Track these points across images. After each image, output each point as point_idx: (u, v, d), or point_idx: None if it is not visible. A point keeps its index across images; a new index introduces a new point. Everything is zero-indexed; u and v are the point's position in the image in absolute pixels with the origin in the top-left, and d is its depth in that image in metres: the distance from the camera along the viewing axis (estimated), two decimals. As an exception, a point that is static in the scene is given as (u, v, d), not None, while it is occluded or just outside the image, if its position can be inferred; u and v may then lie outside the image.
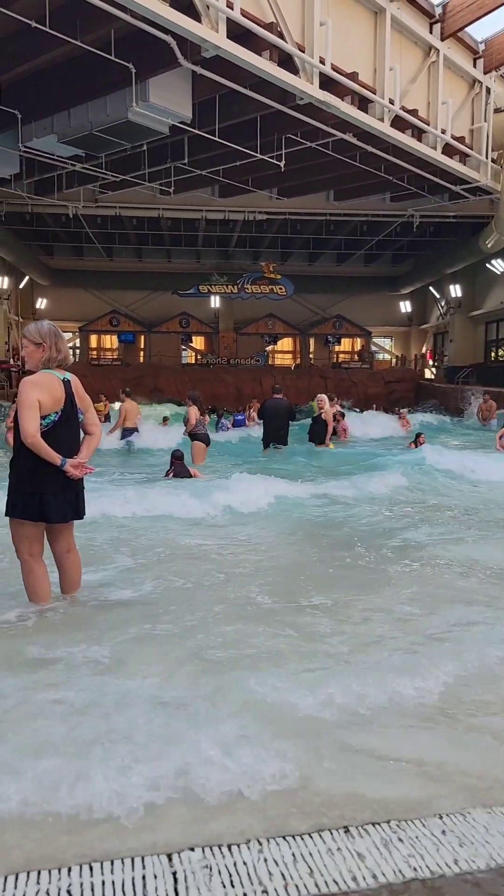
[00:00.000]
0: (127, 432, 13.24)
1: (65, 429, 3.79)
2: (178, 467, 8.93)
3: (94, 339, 32.33)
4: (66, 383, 3.82)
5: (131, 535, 5.81)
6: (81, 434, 3.97)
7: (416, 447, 12.63)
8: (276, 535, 5.94)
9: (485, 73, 17.23)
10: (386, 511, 7.02)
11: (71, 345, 31.30)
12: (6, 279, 25.54)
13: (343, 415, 16.00)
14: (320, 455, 11.91)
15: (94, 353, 32.10)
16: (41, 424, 3.68)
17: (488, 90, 17.27)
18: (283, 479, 7.99)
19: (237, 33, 10.38)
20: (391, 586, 4.40)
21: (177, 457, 9.06)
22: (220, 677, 2.88)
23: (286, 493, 7.45)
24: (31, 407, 3.62)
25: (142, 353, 31.90)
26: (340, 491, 7.75)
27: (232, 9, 10.02)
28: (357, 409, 22.43)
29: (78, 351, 31.31)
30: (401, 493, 7.93)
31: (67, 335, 30.92)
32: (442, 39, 15.33)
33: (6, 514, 3.84)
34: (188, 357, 32.64)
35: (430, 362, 30.85)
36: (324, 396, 13.51)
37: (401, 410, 18.98)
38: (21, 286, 28.24)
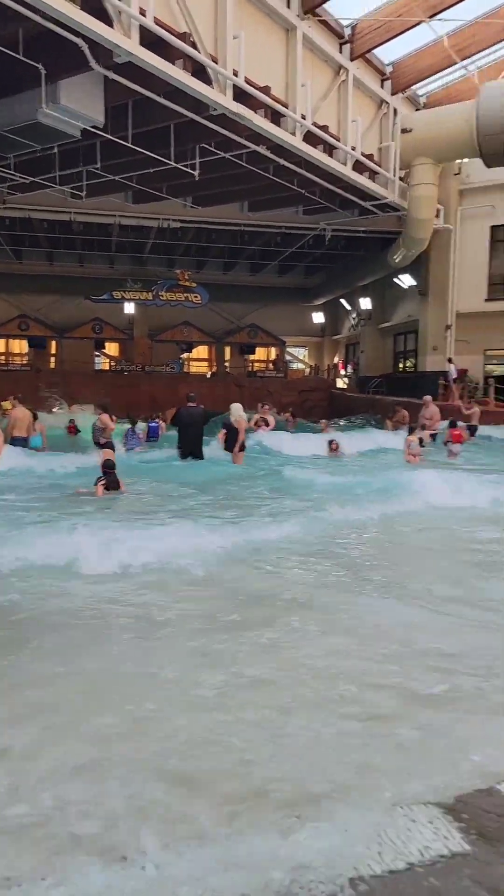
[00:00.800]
0: (18, 441, 12.77)
1: None
2: (110, 477, 8.82)
3: (1, 343, 31.28)
4: None
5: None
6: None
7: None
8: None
9: (392, 94, 17.92)
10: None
11: (-23, 350, 30.19)
12: None
13: (266, 422, 16.25)
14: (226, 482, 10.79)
15: (3, 358, 31.04)
16: None
17: (395, 111, 17.95)
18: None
19: (151, 41, 10.35)
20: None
21: (108, 466, 8.93)
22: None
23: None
24: None
25: (53, 359, 31.11)
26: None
27: (145, 16, 9.99)
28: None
29: (-16, 356, 30.20)
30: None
31: (-26, 340, 29.91)
32: (351, 59, 15.82)
33: None
34: (102, 364, 32.09)
35: (343, 372, 31.63)
36: (237, 405, 13.57)
37: (322, 421, 19.27)
38: None
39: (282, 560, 5.41)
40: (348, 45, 15.85)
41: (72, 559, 4.97)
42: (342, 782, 2.29)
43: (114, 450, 11.26)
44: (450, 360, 21.34)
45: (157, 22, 10.31)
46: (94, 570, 4.85)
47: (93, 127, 12.11)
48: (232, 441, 12.98)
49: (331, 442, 14.28)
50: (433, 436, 15.70)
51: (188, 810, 2.15)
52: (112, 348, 32.35)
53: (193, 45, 11.09)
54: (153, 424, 16.48)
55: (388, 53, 17.60)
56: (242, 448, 13.14)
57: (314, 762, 2.45)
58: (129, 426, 15.04)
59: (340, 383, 30.99)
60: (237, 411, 13.21)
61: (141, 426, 15.27)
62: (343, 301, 30.16)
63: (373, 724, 2.72)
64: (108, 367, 31.78)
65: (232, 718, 2.77)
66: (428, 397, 17.16)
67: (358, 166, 16.61)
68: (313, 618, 4.01)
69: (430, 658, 3.38)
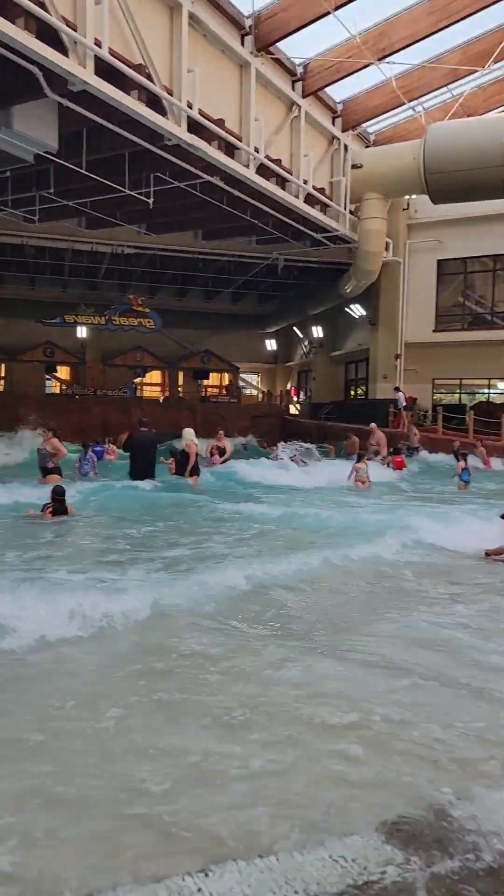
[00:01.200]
0: None
1: None
2: (59, 504, 8.76)
3: None
4: None
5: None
6: None
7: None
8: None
9: (343, 130, 18.47)
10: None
11: None
12: None
13: (220, 451, 16.33)
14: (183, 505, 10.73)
15: (-51, 380, 30.41)
16: None
17: (346, 147, 18.49)
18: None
19: (105, 70, 10.46)
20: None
21: (58, 493, 8.85)
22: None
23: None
24: None
25: (2, 382, 30.59)
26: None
27: (100, 47, 10.11)
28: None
29: None
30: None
31: None
32: (304, 96, 16.28)
33: None
34: (53, 387, 31.69)
35: (295, 398, 31.96)
36: (189, 430, 13.62)
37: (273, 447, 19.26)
38: None
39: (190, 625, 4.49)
40: (301, 83, 16.32)
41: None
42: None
43: (61, 475, 11.17)
44: (397, 389, 21.79)
45: (113, 53, 10.44)
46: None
47: (46, 152, 12.12)
48: (183, 466, 13.00)
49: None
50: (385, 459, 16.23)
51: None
52: (63, 372, 32.01)
53: (149, 77, 11.26)
54: (98, 448, 16.38)
55: (339, 92, 18.21)
56: (196, 472, 13.16)
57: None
58: (81, 451, 14.95)
59: (293, 409, 31.30)
60: (189, 436, 13.25)
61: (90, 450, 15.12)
62: (296, 329, 30.60)
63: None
64: (59, 391, 31.41)
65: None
66: (373, 425, 17.60)
67: (310, 199, 17.00)
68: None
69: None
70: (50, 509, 8.73)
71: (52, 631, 4.09)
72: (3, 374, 30.70)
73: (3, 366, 30.57)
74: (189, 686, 3.47)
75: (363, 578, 6.11)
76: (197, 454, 13.33)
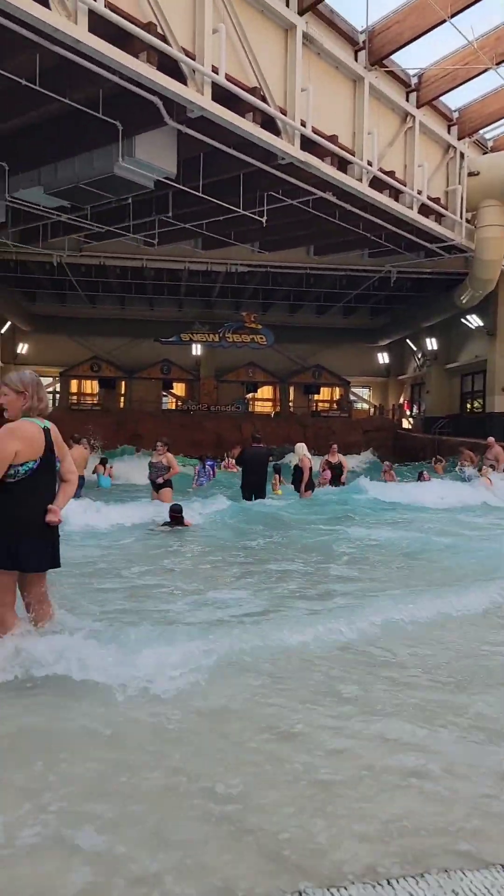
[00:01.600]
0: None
1: (42, 477, 3.79)
2: (175, 522, 9.23)
3: (74, 384, 32.41)
4: (46, 431, 3.84)
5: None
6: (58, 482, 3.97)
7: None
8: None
9: (459, 139, 18.03)
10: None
11: (50, 390, 31.37)
12: (-12, 324, 25.70)
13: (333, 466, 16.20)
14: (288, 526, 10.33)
15: (75, 398, 32.14)
16: (19, 472, 3.68)
17: (462, 155, 18.03)
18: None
19: (222, 95, 10.80)
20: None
21: (176, 511, 9.20)
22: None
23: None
24: (6, 459, 3.64)
25: (122, 399, 31.99)
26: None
27: (217, 73, 10.44)
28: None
29: (57, 396, 31.34)
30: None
31: (47, 380, 31.12)
32: (418, 107, 16.05)
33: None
34: (169, 403, 32.80)
35: (408, 412, 31.30)
36: (301, 445, 13.66)
37: (385, 463, 18.98)
38: (2, 331, 28.36)
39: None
40: (415, 94, 16.11)
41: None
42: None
43: (172, 488, 11.30)
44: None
45: (229, 78, 10.76)
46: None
47: (166, 178, 12.64)
48: (298, 481, 13.04)
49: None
50: None
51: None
52: (179, 388, 33.06)
53: (263, 99, 11.50)
54: (210, 462, 16.79)
55: (455, 99, 17.81)
56: (310, 487, 13.18)
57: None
58: (198, 464, 15.43)
59: (406, 423, 30.65)
60: (301, 451, 13.28)
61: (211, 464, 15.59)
62: (408, 341, 30.01)
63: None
64: (174, 407, 32.46)
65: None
66: (491, 438, 16.95)
67: (424, 209, 16.69)
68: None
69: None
70: (167, 525, 9.09)
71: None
72: (123, 392, 32.11)
73: (123, 383, 31.99)
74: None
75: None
76: (311, 469, 13.32)
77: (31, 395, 3.82)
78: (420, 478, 16.29)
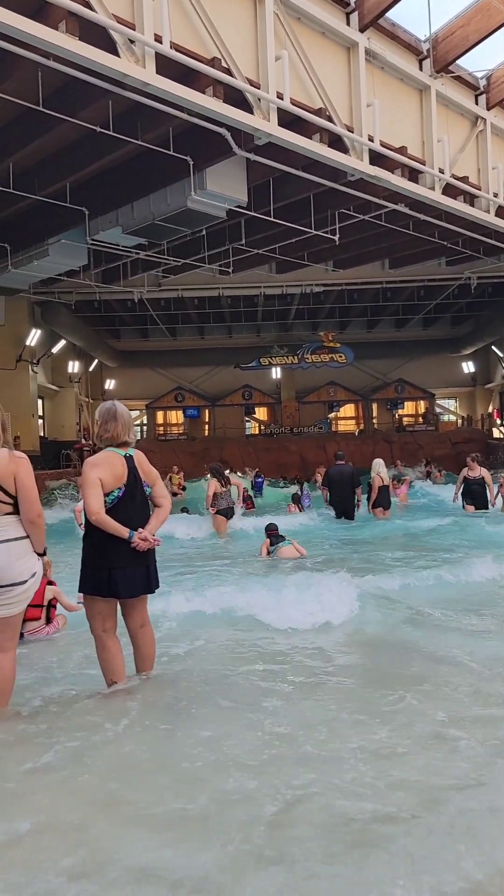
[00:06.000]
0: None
1: (130, 503, 3.84)
2: (275, 538, 9.09)
3: (160, 415, 33.22)
4: (129, 459, 3.90)
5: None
6: (151, 507, 4.02)
7: None
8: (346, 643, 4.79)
9: (534, 136, 17.45)
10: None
11: (138, 422, 32.26)
12: (77, 363, 26.79)
13: (400, 480, 15.63)
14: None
15: (161, 428, 32.92)
16: (105, 501, 3.75)
17: (538, 152, 17.44)
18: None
19: (288, 120, 10.90)
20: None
21: (271, 529, 9.17)
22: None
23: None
24: (92, 485, 3.71)
25: (206, 427, 32.51)
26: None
27: (282, 99, 10.56)
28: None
29: (145, 428, 32.18)
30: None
31: (135, 413, 32.04)
32: (488, 109, 15.67)
33: (79, 591, 3.88)
34: (252, 428, 33.04)
35: (498, 421, 30.22)
36: (378, 461, 13.30)
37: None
38: (91, 369, 29.50)
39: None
40: (484, 96, 15.75)
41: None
42: None
43: (227, 517, 11.20)
44: None
45: (294, 102, 10.85)
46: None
47: (237, 206, 12.85)
48: (367, 499, 12.82)
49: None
50: None
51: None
52: (261, 412, 33.29)
53: (329, 119, 11.53)
54: (259, 480, 16.75)
55: (526, 97, 17.27)
56: (383, 505, 12.89)
57: None
58: (297, 488, 15.45)
59: (497, 433, 29.59)
60: (377, 467, 13.01)
61: (306, 486, 15.51)
62: (494, 348, 29.09)
63: None
64: (257, 431, 32.67)
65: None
66: None
67: (501, 211, 16.21)
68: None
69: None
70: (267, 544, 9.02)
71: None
72: (207, 420, 32.63)
73: (207, 411, 32.52)
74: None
75: None
76: (382, 487, 12.88)
77: (100, 424, 3.95)
78: None
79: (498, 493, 12.93)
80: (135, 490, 3.87)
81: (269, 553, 8.82)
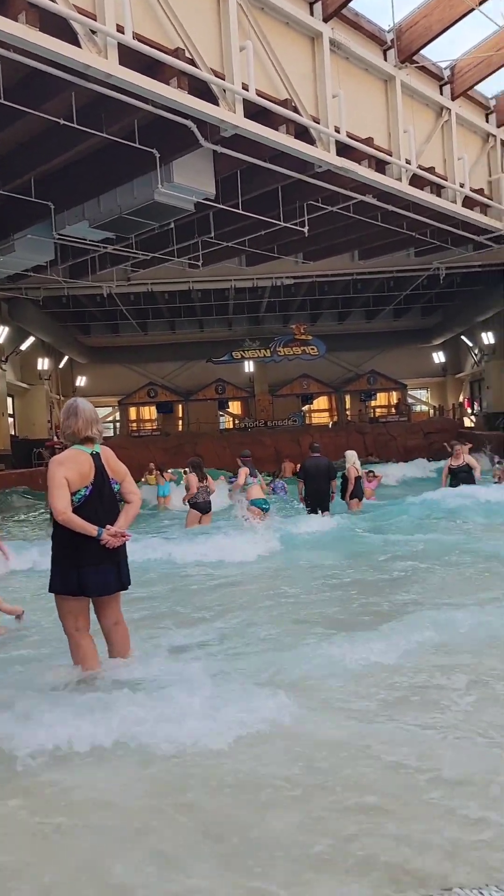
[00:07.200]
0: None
1: (98, 501, 3.79)
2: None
3: (132, 411, 32.98)
4: (95, 457, 3.85)
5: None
6: (121, 503, 3.98)
7: None
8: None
9: (498, 126, 17.60)
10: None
11: (110, 419, 32.00)
12: (47, 360, 26.45)
13: (372, 474, 15.53)
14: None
15: (134, 425, 32.70)
16: (73, 500, 3.70)
17: (503, 142, 17.61)
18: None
19: (254, 111, 10.85)
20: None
21: (245, 456, 9.78)
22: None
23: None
24: (58, 485, 3.67)
25: (180, 422, 32.37)
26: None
27: (247, 90, 10.49)
28: None
29: (118, 424, 31.93)
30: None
31: (107, 409, 31.78)
32: (453, 99, 15.76)
33: (49, 590, 3.83)
34: (226, 422, 32.98)
35: (469, 410, 30.55)
36: (351, 453, 13.41)
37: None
38: (61, 366, 29.15)
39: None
40: (448, 86, 15.83)
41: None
42: None
43: (203, 511, 11.16)
44: None
45: (259, 93, 10.80)
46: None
47: (205, 199, 12.76)
48: (345, 491, 12.88)
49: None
50: None
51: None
52: (235, 406, 33.24)
53: (295, 110, 11.49)
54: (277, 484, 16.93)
55: (490, 87, 17.41)
56: (357, 496, 12.99)
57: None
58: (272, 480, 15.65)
59: (468, 422, 29.91)
60: (351, 458, 13.13)
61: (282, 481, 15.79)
62: (464, 338, 29.37)
63: None
64: (231, 426, 32.62)
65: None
66: None
67: (468, 202, 16.33)
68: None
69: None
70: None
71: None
72: (180, 415, 32.49)
73: (180, 406, 32.38)
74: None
75: None
76: (358, 478, 13.05)
77: (62, 420, 3.93)
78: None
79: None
80: (102, 487, 3.82)
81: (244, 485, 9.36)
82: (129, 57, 8.98)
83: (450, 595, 5.67)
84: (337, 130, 12.26)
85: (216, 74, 10.19)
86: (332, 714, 3.25)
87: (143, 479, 18.63)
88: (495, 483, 14.19)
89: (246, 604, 5.88)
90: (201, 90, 10.05)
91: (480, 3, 13.26)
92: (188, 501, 11.22)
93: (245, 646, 4.49)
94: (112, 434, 31.33)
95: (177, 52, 9.54)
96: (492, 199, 17.27)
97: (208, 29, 10.22)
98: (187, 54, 9.70)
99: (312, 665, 3.85)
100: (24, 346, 24.61)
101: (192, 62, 9.75)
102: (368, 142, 13.15)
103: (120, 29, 8.69)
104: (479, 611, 4.82)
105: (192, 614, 5.54)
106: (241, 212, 13.80)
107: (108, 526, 3.74)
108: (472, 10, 13.19)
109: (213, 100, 10.16)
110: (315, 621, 5.12)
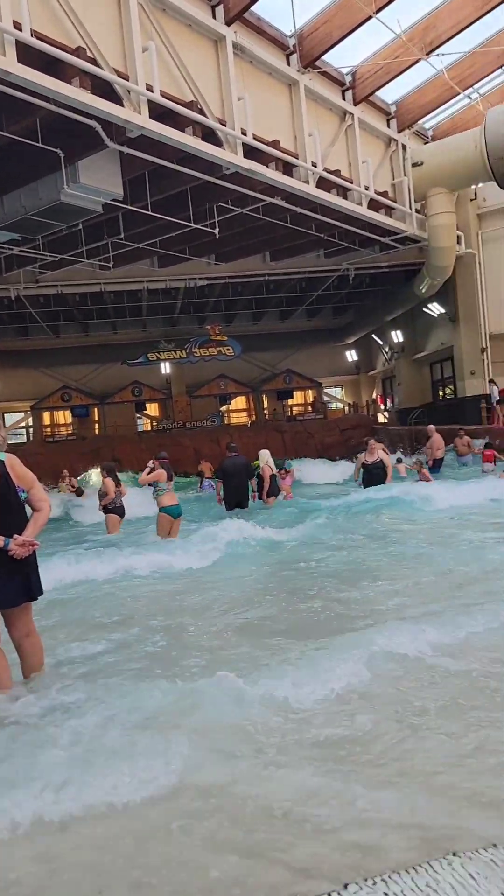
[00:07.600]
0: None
1: (3, 510, 3.70)
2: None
3: (46, 416, 32.11)
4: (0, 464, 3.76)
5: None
6: (29, 512, 3.90)
7: None
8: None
9: (399, 131, 18.25)
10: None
11: (23, 424, 31.07)
12: (-47, 365, 25.42)
13: (286, 470, 15.67)
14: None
15: (49, 429, 31.85)
16: None
17: (404, 147, 18.24)
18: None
19: (159, 112, 10.81)
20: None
21: (163, 458, 9.52)
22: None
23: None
24: None
25: (96, 426, 31.79)
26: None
27: (152, 91, 10.45)
28: None
29: (31, 430, 31.04)
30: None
31: (19, 415, 30.85)
32: (355, 104, 16.22)
33: (-44, 604, 3.72)
34: (144, 425, 32.64)
35: (382, 406, 31.47)
36: (265, 452, 13.60)
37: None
38: (-32, 371, 28.08)
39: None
40: (350, 91, 16.28)
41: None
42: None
43: (121, 515, 11.06)
44: (492, 382, 21.05)
45: (164, 95, 10.78)
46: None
47: (113, 200, 12.62)
48: (261, 489, 13.11)
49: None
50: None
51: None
52: (152, 409, 32.92)
53: (201, 112, 11.54)
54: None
55: (391, 93, 18.03)
56: (273, 493, 13.23)
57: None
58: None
59: (381, 418, 30.80)
60: (264, 457, 13.35)
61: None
62: (374, 336, 30.21)
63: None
64: (150, 428, 32.31)
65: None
66: (431, 426, 17.27)
67: (373, 204, 16.84)
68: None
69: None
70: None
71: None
72: (97, 419, 31.91)
73: (96, 410, 31.79)
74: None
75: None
76: (272, 476, 13.23)
77: None
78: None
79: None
80: (7, 496, 3.73)
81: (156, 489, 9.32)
82: (28, 55, 8.78)
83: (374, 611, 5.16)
84: (244, 133, 12.40)
85: (120, 75, 10.11)
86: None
87: (56, 487, 18.27)
88: (417, 481, 14.55)
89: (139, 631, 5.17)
90: (105, 90, 9.94)
91: (378, 11, 13.70)
92: (106, 507, 10.98)
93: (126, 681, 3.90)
94: (25, 440, 30.43)
95: (78, 52, 9.41)
96: (396, 202, 17.88)
97: (110, 29, 10.12)
98: (89, 53, 9.57)
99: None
100: None
101: (94, 62, 9.63)
102: (275, 144, 13.35)
103: (17, 26, 8.49)
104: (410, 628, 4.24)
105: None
106: (150, 213, 13.72)
107: (16, 536, 3.66)
108: (370, 17, 13.61)
109: (117, 100, 10.08)
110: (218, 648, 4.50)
